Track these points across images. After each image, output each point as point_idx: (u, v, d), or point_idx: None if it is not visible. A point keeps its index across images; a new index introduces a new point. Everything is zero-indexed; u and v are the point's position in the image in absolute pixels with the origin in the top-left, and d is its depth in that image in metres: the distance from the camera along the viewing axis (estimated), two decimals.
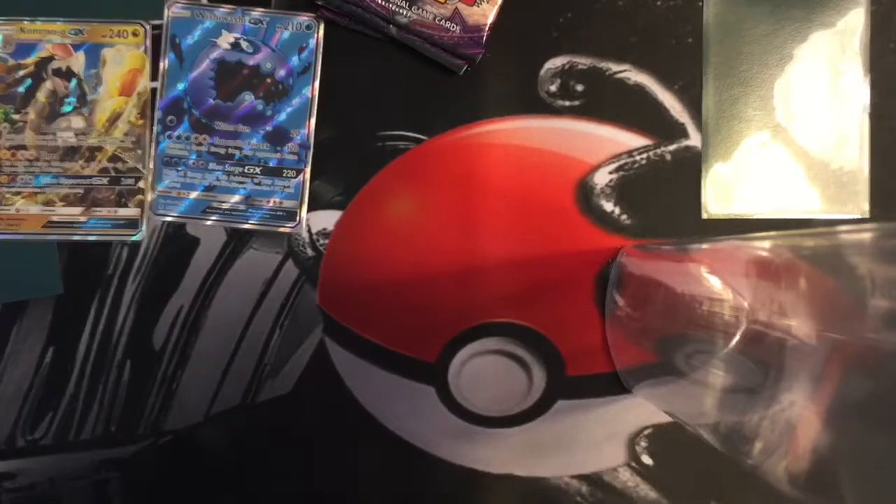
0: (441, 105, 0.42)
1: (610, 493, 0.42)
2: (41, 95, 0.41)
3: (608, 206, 0.42)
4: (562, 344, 0.42)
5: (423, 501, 0.42)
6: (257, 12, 0.41)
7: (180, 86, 0.41)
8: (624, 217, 0.42)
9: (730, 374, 0.28)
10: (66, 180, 0.41)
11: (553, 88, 0.42)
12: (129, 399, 0.41)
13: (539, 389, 0.42)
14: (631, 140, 0.42)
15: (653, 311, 0.37)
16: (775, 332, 0.26)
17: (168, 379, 0.41)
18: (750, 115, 0.42)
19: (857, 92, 0.42)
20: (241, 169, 0.41)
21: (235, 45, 0.41)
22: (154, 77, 0.41)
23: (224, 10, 0.41)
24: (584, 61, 0.42)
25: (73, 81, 0.41)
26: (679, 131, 0.42)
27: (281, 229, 0.41)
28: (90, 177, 0.41)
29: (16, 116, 0.41)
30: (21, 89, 0.41)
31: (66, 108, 0.41)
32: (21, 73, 0.41)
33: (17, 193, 0.41)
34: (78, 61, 0.41)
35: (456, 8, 0.39)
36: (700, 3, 0.42)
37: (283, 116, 0.41)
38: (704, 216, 0.42)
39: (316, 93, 0.41)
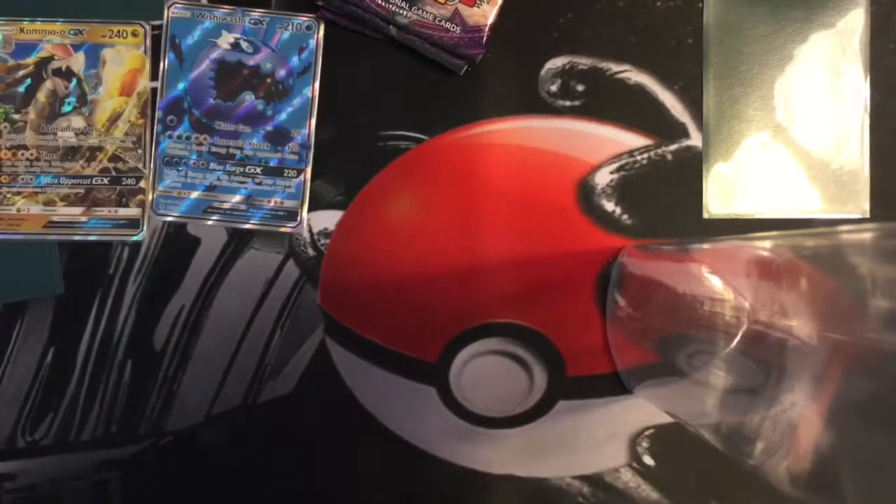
0: (441, 105, 0.42)
1: (611, 493, 0.42)
2: (41, 95, 0.41)
3: (609, 205, 0.42)
4: (562, 344, 0.42)
5: (424, 502, 0.42)
6: (257, 13, 0.41)
7: (180, 86, 0.41)
8: (625, 217, 0.42)
9: (731, 374, 0.28)
10: (67, 180, 0.41)
11: (553, 88, 0.42)
12: (129, 399, 0.41)
13: (540, 390, 0.42)
14: (632, 140, 0.42)
15: (654, 312, 0.37)
16: (776, 333, 0.26)
17: (169, 379, 0.41)
18: (750, 115, 0.42)
19: (857, 92, 0.42)
20: (241, 169, 0.41)
21: (235, 46, 0.41)
22: (154, 77, 0.41)
23: (224, 10, 0.41)
24: (584, 61, 0.42)
25: (73, 81, 0.41)
26: (680, 131, 0.42)
27: (282, 229, 0.41)
28: (91, 177, 0.41)
29: (16, 116, 0.41)
30: (21, 89, 0.41)
31: (67, 108, 0.41)
32: (21, 73, 0.41)
33: (18, 193, 0.41)
34: (78, 61, 0.41)
35: (456, 8, 0.39)
36: (700, 4, 0.42)
37: (283, 116, 0.41)
38: (705, 216, 0.42)
39: (316, 93, 0.41)
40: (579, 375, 0.42)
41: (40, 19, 0.41)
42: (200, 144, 0.41)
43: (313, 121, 0.41)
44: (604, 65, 0.42)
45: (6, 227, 0.41)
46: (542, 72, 0.42)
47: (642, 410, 0.42)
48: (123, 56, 0.41)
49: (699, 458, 0.42)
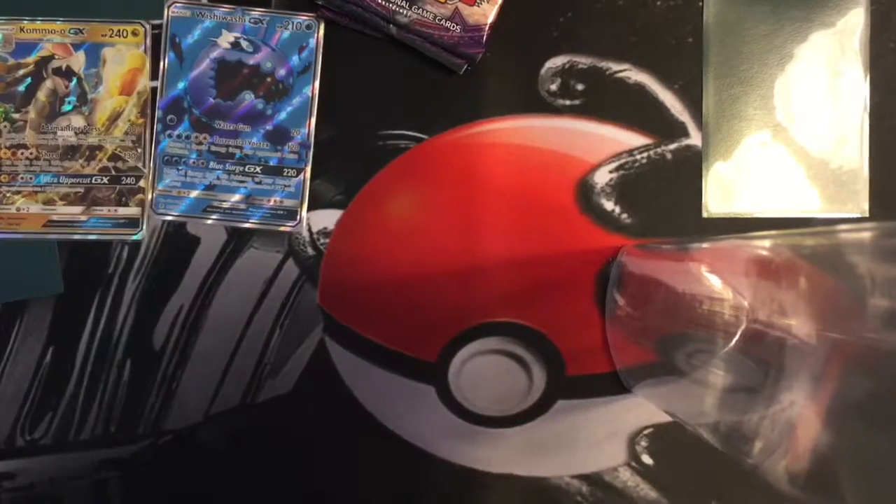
0: (441, 104, 0.42)
1: (610, 492, 0.42)
2: (41, 94, 0.41)
3: (608, 205, 0.42)
4: (562, 343, 0.42)
5: (423, 501, 0.42)
6: (257, 12, 0.41)
7: (180, 85, 0.41)
8: (624, 216, 0.42)
9: (730, 373, 0.28)
10: (67, 179, 0.41)
11: (553, 87, 0.42)
12: (129, 399, 0.41)
13: (539, 389, 0.42)
14: (631, 139, 0.42)
15: (653, 311, 0.37)
16: (775, 332, 0.26)
17: (168, 378, 0.41)
18: (750, 115, 0.42)
19: (857, 91, 0.42)
20: (241, 168, 0.41)
21: (235, 45, 0.41)
22: (154, 76, 0.41)
23: (224, 9, 0.41)
24: (584, 61, 0.42)
25: (74, 80, 0.41)
26: (679, 130, 0.42)
27: (281, 228, 0.41)
28: (90, 176, 0.41)
29: (16, 115, 0.41)
30: (21, 88, 0.41)
31: (67, 108, 0.41)
32: (21, 72, 0.41)
33: (18, 192, 0.41)
34: (78, 61, 0.41)
35: (456, 7, 0.39)
36: (700, 3, 0.42)
37: (283, 115, 0.41)
38: (705, 215, 0.42)
39: (316, 92, 0.41)
40: (578, 375, 0.42)
41: (40, 18, 0.41)
42: (200, 143, 0.41)
43: (313, 120, 0.41)
44: (603, 64, 0.42)
45: (6, 226, 0.41)
46: (542, 71, 0.42)
47: (641, 410, 0.42)
48: (123, 55, 0.41)
49: (698, 458, 0.42)
